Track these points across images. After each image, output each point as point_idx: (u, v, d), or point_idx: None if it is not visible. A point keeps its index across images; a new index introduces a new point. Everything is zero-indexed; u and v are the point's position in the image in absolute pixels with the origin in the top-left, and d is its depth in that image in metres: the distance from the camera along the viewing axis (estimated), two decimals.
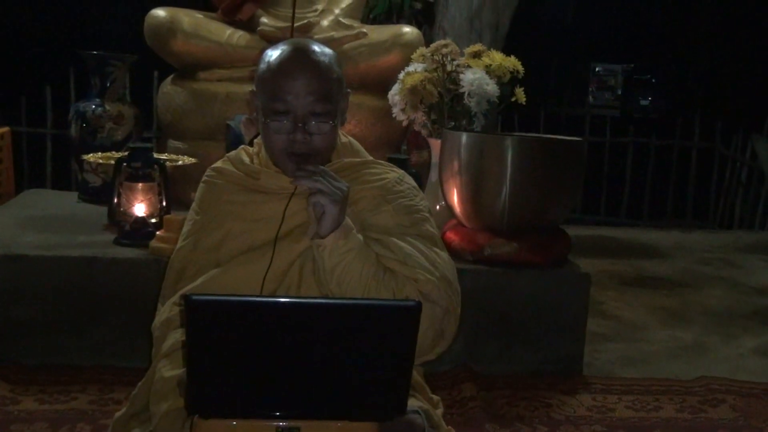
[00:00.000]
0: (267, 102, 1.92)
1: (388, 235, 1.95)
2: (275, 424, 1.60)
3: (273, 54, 1.95)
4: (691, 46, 12.92)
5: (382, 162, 2.12)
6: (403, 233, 1.97)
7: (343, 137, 2.11)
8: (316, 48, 1.96)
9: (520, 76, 3.57)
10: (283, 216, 1.95)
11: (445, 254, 2.01)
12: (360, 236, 1.90)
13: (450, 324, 1.94)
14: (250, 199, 2.01)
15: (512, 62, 3.56)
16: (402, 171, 2.11)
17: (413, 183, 2.10)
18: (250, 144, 2.17)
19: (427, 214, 2.06)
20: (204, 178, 2.09)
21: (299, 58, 1.92)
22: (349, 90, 2.04)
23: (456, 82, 3.53)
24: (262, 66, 1.96)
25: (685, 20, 12.98)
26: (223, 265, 1.97)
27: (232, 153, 2.13)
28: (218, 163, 2.10)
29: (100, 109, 4.17)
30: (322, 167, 1.88)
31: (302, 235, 1.94)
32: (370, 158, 2.11)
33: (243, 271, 1.94)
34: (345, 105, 2.02)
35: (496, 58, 3.55)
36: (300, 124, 1.90)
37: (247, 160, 2.07)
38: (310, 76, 1.90)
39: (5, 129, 4.62)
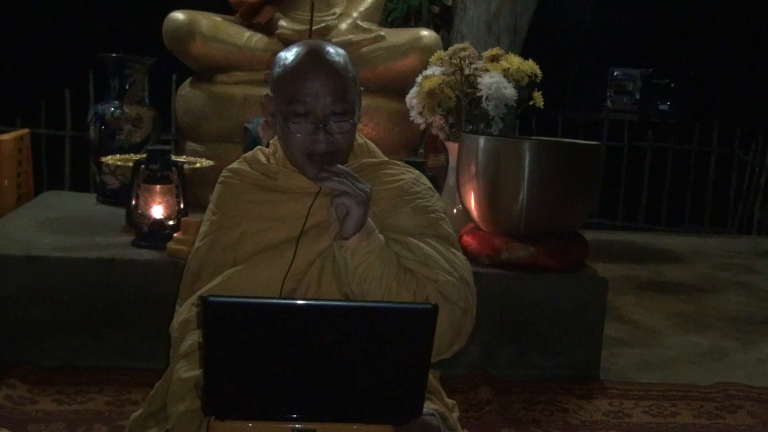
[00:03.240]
0: (286, 105, 1.92)
1: (407, 235, 1.96)
2: (291, 426, 1.61)
3: (288, 56, 1.95)
4: (711, 51, 12.87)
5: (398, 162, 2.12)
6: (421, 234, 1.98)
7: (359, 138, 2.12)
8: (330, 48, 1.96)
9: (538, 80, 3.57)
10: (308, 214, 1.95)
11: (461, 254, 2.03)
12: (381, 237, 1.91)
13: (467, 324, 1.95)
14: (268, 198, 2.01)
15: (530, 66, 3.55)
16: (418, 172, 2.11)
17: (429, 183, 2.11)
18: (266, 146, 2.17)
19: (443, 214, 2.07)
20: (220, 178, 2.10)
21: (315, 60, 1.93)
22: (362, 88, 2.04)
23: (474, 85, 3.52)
24: (278, 69, 1.96)
25: (705, 25, 12.94)
26: (241, 265, 1.98)
27: (249, 154, 2.13)
28: (234, 164, 2.11)
29: (118, 111, 4.19)
30: (345, 168, 1.89)
31: (321, 235, 1.94)
32: (386, 159, 2.12)
33: (261, 270, 1.94)
34: (360, 102, 2.03)
35: (514, 61, 3.55)
36: (321, 125, 1.90)
37: (263, 160, 2.08)
38: (328, 77, 1.90)
39: (25, 131, 4.63)
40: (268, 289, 1.91)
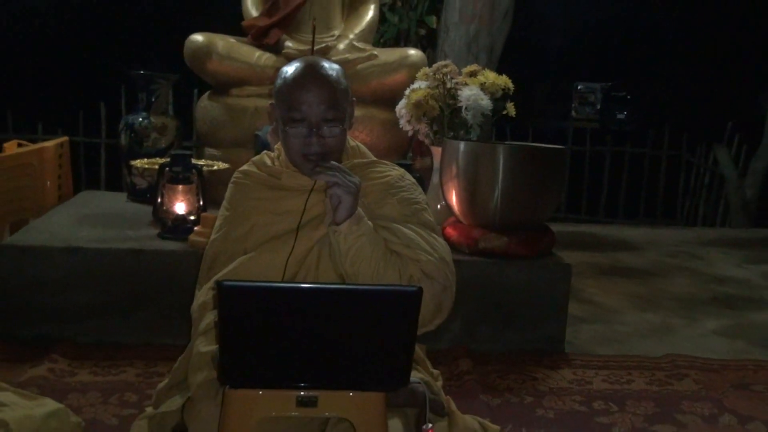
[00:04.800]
0: (285, 112, 1.94)
1: (393, 223, 1.97)
2: (296, 393, 1.61)
3: (288, 70, 1.97)
4: (662, 68, 12.92)
5: (386, 162, 2.14)
6: (406, 221, 1.99)
7: (351, 142, 2.12)
8: (325, 64, 1.97)
9: (510, 93, 3.57)
10: (305, 208, 1.96)
11: (441, 239, 2.04)
12: (370, 223, 1.92)
13: (447, 298, 1.96)
14: (273, 195, 2.02)
15: (504, 80, 3.55)
16: (403, 169, 2.13)
17: (412, 179, 2.12)
18: (272, 151, 2.18)
19: (425, 205, 2.08)
20: (232, 179, 2.11)
21: (311, 73, 1.94)
22: (354, 98, 2.05)
23: (455, 97, 3.52)
24: (279, 81, 1.97)
25: (656, 45, 13.00)
26: (250, 253, 1.98)
27: (257, 157, 2.14)
28: (244, 167, 2.11)
29: (146, 121, 4.18)
30: (337, 164, 1.90)
31: (320, 225, 1.95)
32: (375, 159, 2.13)
33: (268, 257, 1.95)
34: (351, 111, 2.04)
35: (490, 76, 3.55)
36: (314, 129, 1.92)
37: (269, 162, 2.09)
38: (321, 88, 1.91)
39: (65, 138, 4.62)
40: (275, 272, 1.92)
